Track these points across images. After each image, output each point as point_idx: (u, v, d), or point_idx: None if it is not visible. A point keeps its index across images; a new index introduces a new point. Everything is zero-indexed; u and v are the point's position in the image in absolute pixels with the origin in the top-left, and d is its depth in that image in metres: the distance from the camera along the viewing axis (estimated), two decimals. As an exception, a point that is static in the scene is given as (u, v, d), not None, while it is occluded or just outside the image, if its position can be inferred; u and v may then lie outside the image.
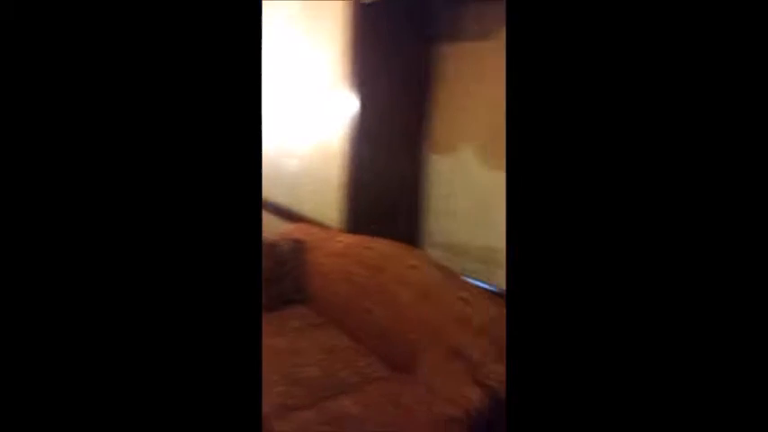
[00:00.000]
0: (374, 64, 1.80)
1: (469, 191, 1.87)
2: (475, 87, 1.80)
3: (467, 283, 1.55)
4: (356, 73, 1.78)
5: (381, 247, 1.70)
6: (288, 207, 2.25)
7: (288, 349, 1.55)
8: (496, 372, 1.20)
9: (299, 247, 1.87)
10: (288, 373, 1.42)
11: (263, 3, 0.57)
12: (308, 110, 2.11)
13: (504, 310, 1.43)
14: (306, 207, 2.14)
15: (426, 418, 1.14)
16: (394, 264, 1.61)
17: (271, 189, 2.07)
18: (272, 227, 2.08)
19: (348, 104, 1.82)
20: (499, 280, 1.79)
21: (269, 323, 1.58)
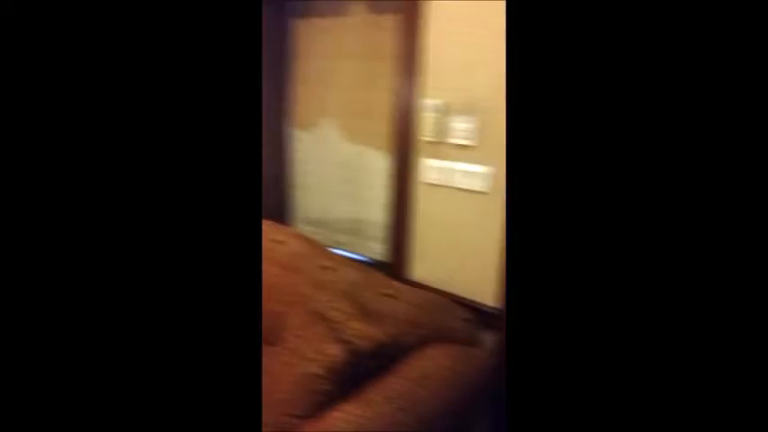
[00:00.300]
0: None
1: (334, 165, 1.93)
2: (333, 63, 1.84)
3: (330, 252, 1.61)
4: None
5: (247, 224, 1.68)
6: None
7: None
8: (356, 328, 1.28)
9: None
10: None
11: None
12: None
13: (365, 274, 1.51)
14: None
15: (289, 378, 1.18)
16: (261, 240, 1.61)
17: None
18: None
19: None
20: (367, 250, 1.88)
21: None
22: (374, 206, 1.83)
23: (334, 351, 1.21)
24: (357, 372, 1.23)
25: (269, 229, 1.68)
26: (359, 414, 1.08)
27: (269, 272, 1.54)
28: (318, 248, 1.61)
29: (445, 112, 1.43)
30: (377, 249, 1.84)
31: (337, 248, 1.91)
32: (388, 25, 1.65)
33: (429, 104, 1.46)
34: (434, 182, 1.50)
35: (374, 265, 1.80)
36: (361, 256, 1.88)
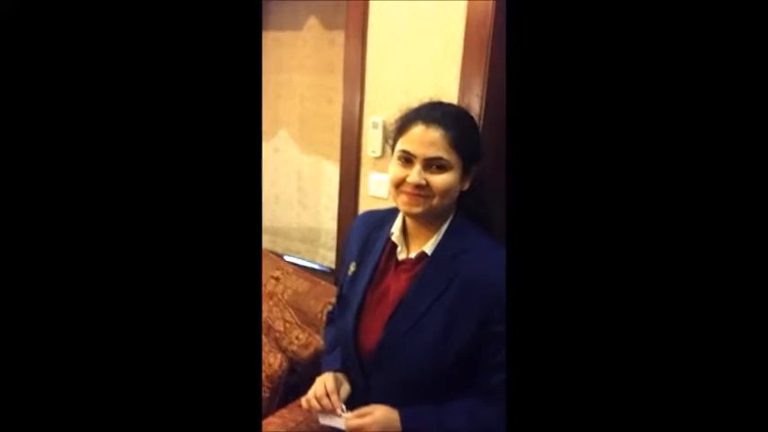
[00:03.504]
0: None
1: (289, 176, 1.97)
2: (289, 76, 1.89)
3: (281, 262, 1.66)
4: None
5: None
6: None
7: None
8: (297, 337, 1.33)
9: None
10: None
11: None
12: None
13: (311, 284, 1.56)
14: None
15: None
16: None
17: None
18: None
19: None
20: (321, 258, 1.93)
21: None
22: (327, 215, 1.88)
23: (275, 360, 1.26)
24: (297, 379, 1.29)
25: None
26: (293, 419, 1.14)
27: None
28: (270, 259, 1.65)
29: (388, 128, 1.49)
30: (330, 257, 1.89)
31: (291, 256, 1.96)
32: (339, 41, 1.70)
33: (374, 121, 1.52)
34: (379, 195, 1.56)
35: (327, 272, 1.85)
36: (315, 263, 1.93)
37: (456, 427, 0.85)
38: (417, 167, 0.84)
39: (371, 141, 1.54)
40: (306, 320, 1.39)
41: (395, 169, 0.87)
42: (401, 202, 0.88)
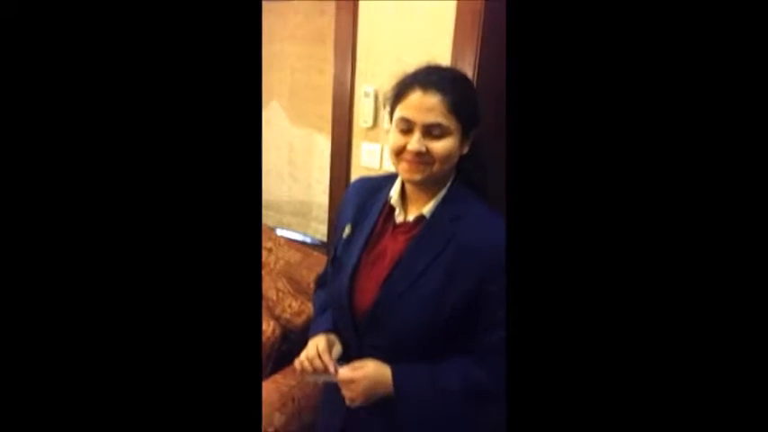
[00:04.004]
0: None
1: (280, 149, 1.96)
2: (279, 47, 1.86)
3: (273, 234, 1.65)
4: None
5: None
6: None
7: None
8: (290, 305, 1.34)
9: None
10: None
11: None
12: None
13: (303, 254, 1.57)
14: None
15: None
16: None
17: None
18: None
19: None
20: (312, 230, 1.93)
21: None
22: (318, 188, 1.88)
23: (267, 327, 1.27)
24: (290, 346, 1.30)
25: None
26: (287, 383, 1.15)
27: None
28: (263, 231, 1.65)
29: (379, 97, 1.48)
30: (322, 230, 1.90)
31: (283, 229, 1.96)
32: (330, 10, 1.68)
33: (366, 91, 1.51)
34: (371, 166, 1.56)
35: (319, 245, 1.86)
36: (307, 236, 1.93)
37: (449, 385, 0.86)
38: (417, 135, 0.84)
39: (363, 111, 1.53)
40: (298, 289, 1.40)
41: (395, 137, 0.87)
42: (402, 170, 0.87)
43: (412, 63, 0.96)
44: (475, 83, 1.34)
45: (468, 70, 1.33)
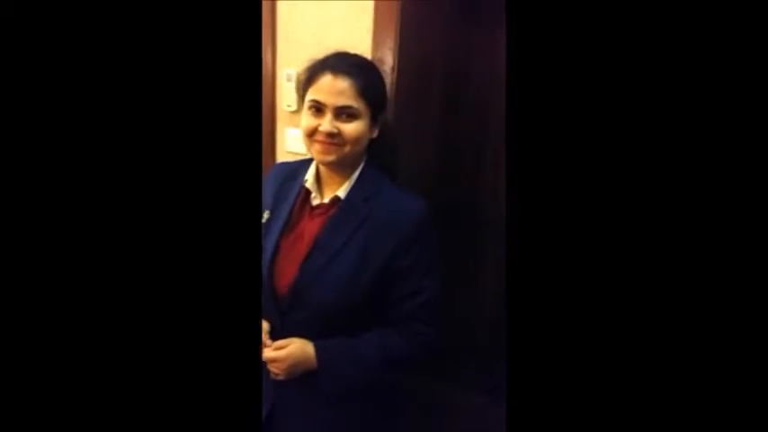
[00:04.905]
0: None
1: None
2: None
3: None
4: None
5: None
6: None
7: None
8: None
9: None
10: None
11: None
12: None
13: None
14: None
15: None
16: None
17: None
18: None
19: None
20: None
21: None
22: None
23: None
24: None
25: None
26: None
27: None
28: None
29: (297, 79, 1.48)
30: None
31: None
32: (249, -8, 1.64)
33: (288, 74, 1.50)
34: (296, 151, 1.56)
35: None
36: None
37: (366, 355, 0.91)
38: (328, 116, 0.87)
39: (286, 95, 1.52)
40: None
41: (307, 119, 0.90)
42: (315, 151, 0.91)
43: (332, 48, 0.98)
44: (396, 67, 1.37)
45: (389, 55, 1.36)
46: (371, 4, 1.35)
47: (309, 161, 1.01)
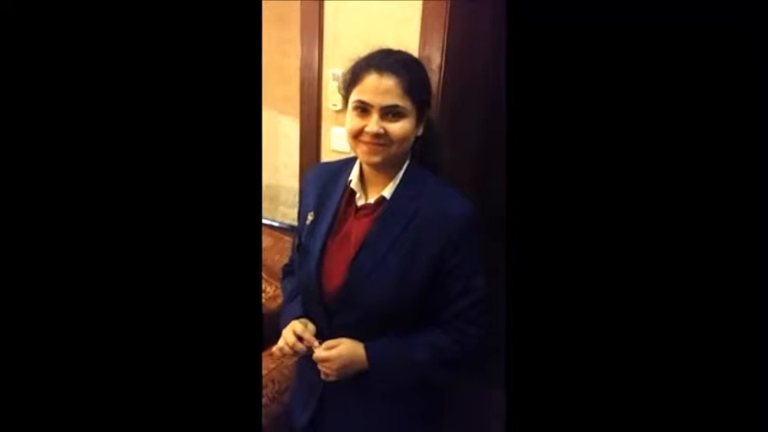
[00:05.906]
0: None
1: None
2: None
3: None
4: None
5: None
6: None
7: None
8: (264, 290, 1.34)
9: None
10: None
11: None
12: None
13: (275, 239, 1.56)
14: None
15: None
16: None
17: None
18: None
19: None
20: (281, 215, 1.92)
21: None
22: (286, 172, 1.87)
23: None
24: (266, 331, 1.30)
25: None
26: (265, 367, 1.16)
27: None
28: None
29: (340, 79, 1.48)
30: (291, 215, 1.89)
31: (252, 214, 1.94)
32: (295, -9, 1.65)
33: (334, 73, 1.50)
34: (341, 149, 1.56)
35: (288, 229, 1.85)
36: (275, 221, 1.92)
37: (418, 356, 0.90)
38: (375, 117, 0.85)
39: (332, 94, 1.52)
40: (272, 274, 1.40)
41: (352, 120, 0.88)
42: (361, 152, 0.90)
43: (379, 46, 0.97)
44: (443, 67, 1.36)
45: (436, 54, 1.35)
46: (420, 3, 1.33)
47: (351, 161, 1.00)
